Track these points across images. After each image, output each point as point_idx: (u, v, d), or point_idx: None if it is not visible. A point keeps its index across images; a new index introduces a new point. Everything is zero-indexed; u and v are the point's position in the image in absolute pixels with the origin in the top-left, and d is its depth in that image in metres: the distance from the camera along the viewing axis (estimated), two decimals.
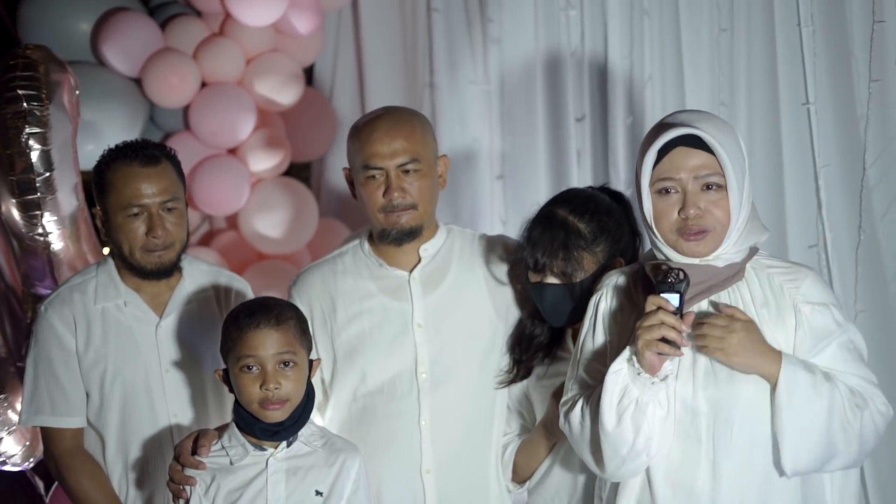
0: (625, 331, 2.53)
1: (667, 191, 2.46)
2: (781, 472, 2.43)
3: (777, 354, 2.41)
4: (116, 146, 3.10)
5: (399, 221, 2.91)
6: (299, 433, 2.68)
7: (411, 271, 2.99)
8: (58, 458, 3.10)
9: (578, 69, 4.19)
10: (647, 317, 2.38)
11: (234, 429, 2.67)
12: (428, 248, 3.00)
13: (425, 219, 2.96)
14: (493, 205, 4.44)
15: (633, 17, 4.06)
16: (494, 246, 3.07)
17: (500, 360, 2.99)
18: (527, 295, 2.99)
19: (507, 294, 3.02)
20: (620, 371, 2.42)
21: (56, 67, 3.71)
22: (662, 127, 2.49)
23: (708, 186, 2.44)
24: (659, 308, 2.38)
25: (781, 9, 3.70)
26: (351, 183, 3.00)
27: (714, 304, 2.48)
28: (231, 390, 2.69)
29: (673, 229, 2.46)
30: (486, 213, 4.45)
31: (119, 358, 3.07)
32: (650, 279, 2.49)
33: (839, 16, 3.58)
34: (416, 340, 2.94)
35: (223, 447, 2.66)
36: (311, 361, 2.72)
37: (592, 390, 2.52)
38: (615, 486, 2.56)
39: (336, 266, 3.04)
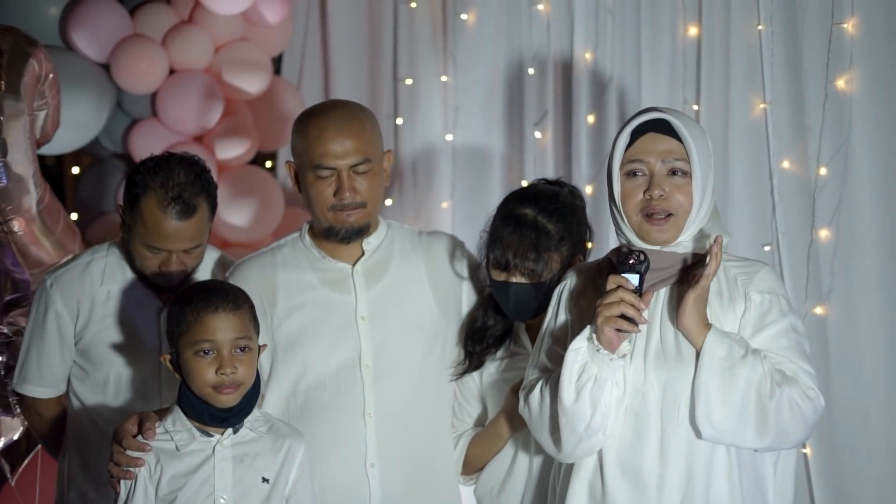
0: (586, 316, 2.61)
1: (634, 173, 2.57)
2: (698, 434, 2.50)
3: (708, 326, 2.51)
4: (157, 169, 3.00)
5: (348, 220, 2.93)
6: (244, 420, 2.68)
7: (354, 264, 3.01)
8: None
9: (542, 66, 4.22)
10: (607, 294, 2.48)
11: (179, 413, 2.66)
12: (371, 242, 3.02)
13: (372, 216, 2.99)
14: (448, 196, 4.48)
15: (599, 14, 4.09)
16: (435, 243, 3.10)
17: (443, 353, 3.03)
18: (482, 288, 3.04)
19: (447, 289, 3.06)
20: (580, 349, 2.51)
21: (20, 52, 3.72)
22: (637, 114, 2.61)
23: (674, 172, 2.55)
24: (619, 286, 2.46)
25: (742, 9, 3.74)
26: (294, 176, 2.99)
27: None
28: (179, 374, 2.67)
29: (637, 210, 2.56)
30: (441, 204, 4.49)
31: (119, 341, 3.11)
32: (613, 266, 2.57)
33: (798, 17, 3.62)
34: (359, 333, 2.96)
35: (166, 431, 2.65)
36: (258, 346, 2.72)
37: (552, 374, 2.60)
38: (568, 470, 2.63)
39: (275, 258, 3.04)
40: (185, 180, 3.00)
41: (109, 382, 3.11)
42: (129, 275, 3.13)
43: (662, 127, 2.56)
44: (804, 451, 3.54)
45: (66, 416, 3.23)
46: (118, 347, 3.11)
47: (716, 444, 2.52)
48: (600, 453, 2.57)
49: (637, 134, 2.56)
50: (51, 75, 3.89)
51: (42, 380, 3.17)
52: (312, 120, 2.94)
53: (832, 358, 3.57)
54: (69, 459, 3.21)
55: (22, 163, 3.72)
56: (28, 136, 3.75)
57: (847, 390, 3.56)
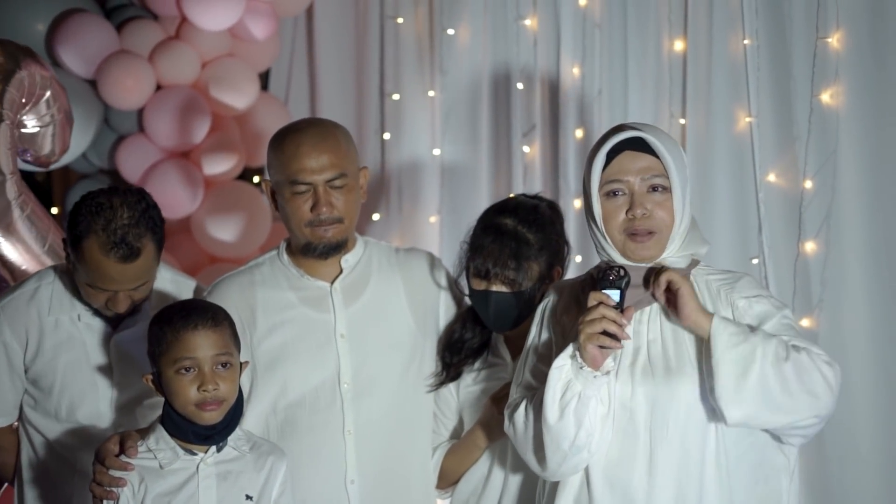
0: (570, 333, 2.60)
1: (615, 193, 2.56)
2: (725, 418, 2.47)
3: (709, 313, 2.51)
4: (98, 210, 2.89)
5: (326, 236, 2.94)
6: (227, 438, 2.68)
7: (332, 282, 3.01)
8: None
9: (529, 81, 4.24)
10: (588, 311, 2.48)
11: (162, 431, 2.67)
12: (349, 259, 3.03)
13: (349, 232, 2.99)
14: (436, 211, 4.49)
15: (586, 29, 4.11)
16: (413, 259, 3.11)
17: (420, 369, 3.04)
18: (459, 302, 3.05)
19: (425, 305, 3.08)
20: (564, 366, 2.50)
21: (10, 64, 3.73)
22: (610, 133, 2.60)
23: (654, 188, 2.55)
24: (600, 303, 2.46)
25: (727, 23, 3.75)
26: (271, 194, 3.00)
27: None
28: (161, 394, 2.68)
29: (620, 230, 2.56)
30: (430, 220, 4.50)
31: (69, 371, 3.07)
32: (595, 282, 2.57)
33: (783, 31, 3.64)
34: (338, 351, 2.97)
35: (149, 449, 2.65)
36: (240, 363, 2.73)
37: (536, 392, 2.59)
38: (553, 488, 2.62)
39: (253, 276, 3.04)
40: (129, 221, 2.88)
41: (62, 410, 3.07)
42: (76, 302, 3.08)
43: (637, 144, 2.55)
44: None
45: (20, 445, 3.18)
46: (69, 376, 3.07)
47: (705, 460, 2.51)
48: (587, 470, 2.56)
49: (613, 153, 2.55)
50: (48, 92, 3.88)
51: None
52: (288, 137, 2.96)
53: None
54: (23, 489, 3.17)
55: (1, 169, 3.72)
56: (8, 143, 3.75)
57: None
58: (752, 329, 2.50)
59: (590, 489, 2.55)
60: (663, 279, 2.51)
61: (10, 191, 3.75)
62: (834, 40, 3.51)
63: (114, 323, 3.09)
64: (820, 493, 3.56)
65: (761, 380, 2.45)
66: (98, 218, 2.88)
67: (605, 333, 2.44)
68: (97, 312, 3.07)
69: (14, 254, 3.77)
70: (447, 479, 3.05)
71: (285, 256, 3.05)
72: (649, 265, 2.57)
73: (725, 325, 2.48)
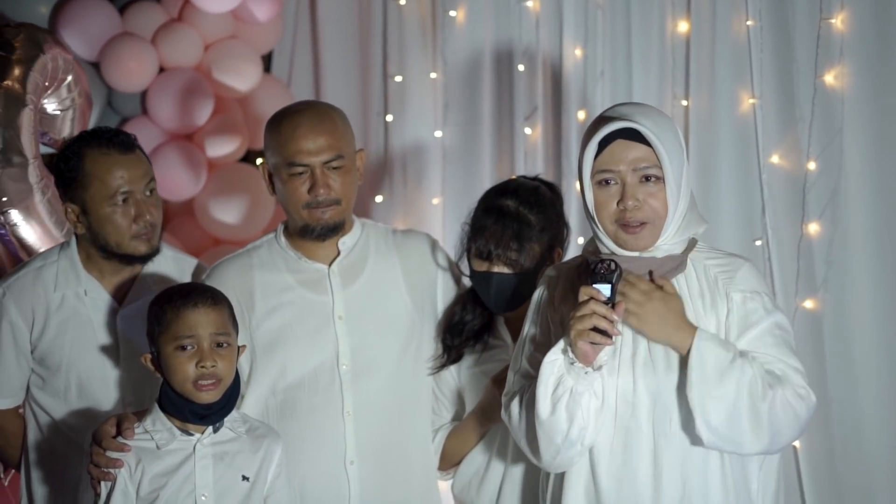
0: (566, 321, 2.57)
1: (606, 182, 2.52)
2: (700, 441, 2.47)
3: (692, 329, 2.47)
4: (81, 136, 3.06)
5: (323, 217, 2.95)
6: (224, 419, 2.70)
7: (330, 264, 3.02)
8: None
9: (531, 62, 4.23)
10: (579, 307, 2.44)
11: (159, 412, 2.69)
12: (346, 241, 3.04)
13: (347, 213, 3.00)
14: (439, 192, 4.49)
15: (588, 10, 4.10)
16: (410, 241, 3.12)
17: (418, 351, 3.05)
18: (458, 277, 3.06)
19: (422, 287, 3.08)
20: (555, 361, 2.47)
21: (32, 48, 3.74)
22: (602, 120, 2.56)
23: (646, 178, 2.51)
24: (590, 298, 2.43)
25: (731, 4, 3.74)
26: (268, 176, 3.01)
27: (650, 274, 2.52)
28: (160, 373, 2.70)
29: (612, 219, 2.52)
30: (432, 202, 4.50)
31: (76, 348, 3.09)
32: (587, 274, 2.53)
33: (787, 12, 3.63)
34: (336, 333, 2.98)
35: (146, 430, 2.68)
36: (238, 347, 2.74)
37: (533, 381, 2.57)
38: (560, 479, 2.60)
39: (251, 259, 3.05)
40: (109, 130, 3.10)
41: (70, 388, 3.09)
42: (82, 278, 3.10)
43: (630, 133, 2.50)
44: (794, 443, 3.54)
45: (26, 428, 3.19)
46: (76, 352, 3.09)
47: (709, 452, 2.50)
48: (593, 465, 2.54)
49: (605, 141, 2.51)
50: (70, 76, 3.89)
51: (0, 391, 3.14)
52: (285, 119, 2.97)
53: (823, 353, 3.57)
54: (29, 471, 3.18)
55: (23, 152, 3.72)
56: (32, 128, 3.75)
57: (839, 384, 3.56)
58: (733, 354, 2.45)
59: (596, 484, 2.54)
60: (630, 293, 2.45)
61: (33, 175, 3.77)
62: (838, 21, 3.50)
63: (119, 299, 3.10)
64: (825, 474, 3.57)
65: (735, 417, 2.43)
66: (83, 139, 3.06)
67: (596, 330, 2.41)
68: (122, 257, 3.06)
69: (33, 237, 3.78)
70: (449, 461, 3.06)
71: (283, 239, 3.06)
72: (646, 255, 2.54)
73: (705, 354, 2.43)
